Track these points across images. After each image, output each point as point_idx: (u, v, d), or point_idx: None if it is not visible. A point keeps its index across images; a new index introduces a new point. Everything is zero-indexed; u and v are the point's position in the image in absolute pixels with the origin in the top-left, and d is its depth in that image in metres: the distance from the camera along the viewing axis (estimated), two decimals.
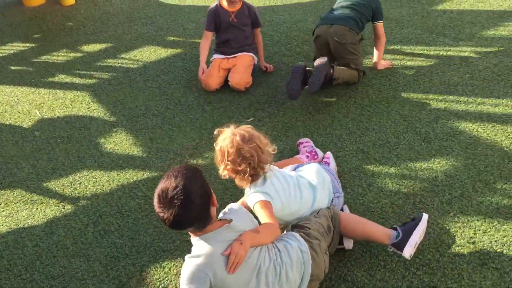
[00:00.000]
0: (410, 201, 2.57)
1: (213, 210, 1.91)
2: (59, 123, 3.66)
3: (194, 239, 1.93)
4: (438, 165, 2.77)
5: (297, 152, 2.96)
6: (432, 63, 3.74)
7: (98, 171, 3.11)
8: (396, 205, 2.56)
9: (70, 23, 5.35)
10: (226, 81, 3.79)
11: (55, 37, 5.05)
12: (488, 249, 2.26)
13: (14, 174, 3.20)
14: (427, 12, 4.49)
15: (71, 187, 3.00)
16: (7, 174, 3.20)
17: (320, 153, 2.87)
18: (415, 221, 2.22)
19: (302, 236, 2.09)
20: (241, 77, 3.69)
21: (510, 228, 2.34)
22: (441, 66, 3.69)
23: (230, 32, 3.75)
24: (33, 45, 4.97)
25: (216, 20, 3.74)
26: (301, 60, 4.01)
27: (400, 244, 2.15)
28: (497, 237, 2.31)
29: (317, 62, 3.37)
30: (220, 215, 2.03)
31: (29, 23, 5.49)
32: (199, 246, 1.90)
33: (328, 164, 2.73)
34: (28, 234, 2.72)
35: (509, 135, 2.92)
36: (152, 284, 2.33)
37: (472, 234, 2.34)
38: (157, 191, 1.82)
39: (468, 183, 2.63)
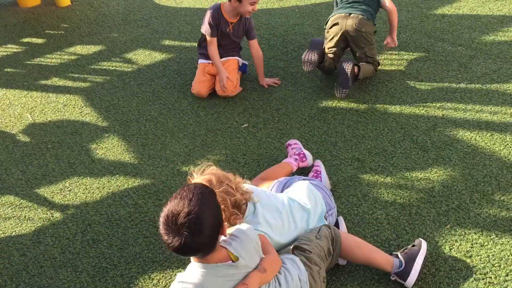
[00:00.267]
0: (406, 212, 2.51)
1: (221, 238, 1.80)
2: (50, 128, 3.60)
3: (192, 263, 1.81)
4: (435, 175, 2.71)
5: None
6: (430, 69, 3.68)
7: (88, 177, 3.05)
8: (391, 216, 2.49)
9: (65, 25, 5.29)
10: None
11: (49, 39, 4.99)
12: (485, 263, 2.20)
13: (3, 179, 3.13)
14: (425, 16, 4.43)
15: (61, 194, 2.94)
16: None
17: (308, 155, 2.81)
18: (416, 248, 2.16)
19: (302, 261, 1.99)
20: (227, 81, 3.60)
21: (508, 242, 2.28)
22: (439, 72, 3.63)
23: (223, 40, 3.64)
24: (27, 47, 4.91)
25: (217, 27, 3.58)
26: (298, 65, 3.95)
27: (404, 274, 2.09)
28: (494, 251, 2.25)
29: (346, 67, 3.33)
30: (226, 237, 1.86)
31: (24, 24, 5.43)
32: (195, 273, 1.77)
33: (319, 175, 2.66)
34: (15, 243, 2.66)
35: (507, 144, 2.87)
36: None
37: (469, 248, 2.28)
38: (166, 212, 1.66)
39: (466, 194, 2.57)
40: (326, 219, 2.32)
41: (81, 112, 3.74)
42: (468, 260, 2.22)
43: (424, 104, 3.31)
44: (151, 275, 2.36)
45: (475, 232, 2.35)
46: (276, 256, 1.98)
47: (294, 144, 2.89)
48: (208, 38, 3.59)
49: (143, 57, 4.40)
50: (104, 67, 4.32)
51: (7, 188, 3.06)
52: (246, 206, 2.10)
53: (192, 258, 1.82)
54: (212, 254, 1.75)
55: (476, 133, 2.99)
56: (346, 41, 3.54)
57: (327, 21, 3.64)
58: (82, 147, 3.34)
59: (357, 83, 3.56)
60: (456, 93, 3.38)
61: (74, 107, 3.82)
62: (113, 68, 4.29)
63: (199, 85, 3.67)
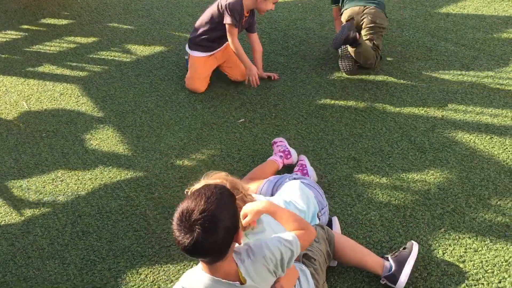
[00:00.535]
0: (400, 214, 2.47)
1: (234, 246, 1.67)
2: (46, 116, 3.56)
3: (199, 270, 1.70)
4: (431, 177, 2.67)
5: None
6: (431, 68, 3.63)
7: (81, 168, 3.01)
8: (385, 218, 2.46)
9: (66, 13, 5.24)
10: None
11: (49, 26, 4.94)
12: (478, 269, 2.16)
13: None
14: (430, 15, 4.36)
15: (53, 184, 2.91)
16: None
17: (293, 152, 2.78)
18: (407, 251, 2.12)
19: (311, 273, 1.93)
20: (242, 69, 3.58)
21: (502, 248, 2.24)
22: (441, 72, 3.58)
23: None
24: (26, 33, 4.86)
25: (240, 18, 3.44)
26: (298, 60, 3.90)
27: (394, 277, 2.06)
28: (488, 257, 2.21)
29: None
30: (244, 245, 1.72)
31: (24, 11, 5.38)
32: (199, 280, 1.68)
33: (305, 169, 2.63)
34: (4, 232, 2.63)
35: (506, 148, 2.82)
36: None
37: (462, 253, 2.24)
38: (181, 208, 1.58)
39: (462, 197, 2.53)
40: (319, 218, 2.29)
41: (77, 101, 3.70)
42: (461, 265, 2.18)
43: (424, 104, 3.26)
44: (139, 270, 2.33)
45: (469, 237, 2.31)
46: (292, 269, 1.87)
47: (280, 141, 2.86)
48: (232, 29, 3.41)
49: (143, 47, 4.35)
50: (103, 57, 4.27)
51: None
52: None
53: (199, 264, 1.71)
54: (221, 263, 1.63)
55: (476, 135, 2.94)
56: (358, 29, 3.65)
57: (341, 13, 3.74)
58: (76, 137, 3.30)
59: (357, 47, 3.49)
60: (457, 94, 3.33)
61: (70, 96, 3.78)
62: (111, 57, 4.25)
63: (200, 82, 3.61)
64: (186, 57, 3.88)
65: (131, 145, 3.17)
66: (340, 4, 3.83)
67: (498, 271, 2.14)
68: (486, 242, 2.27)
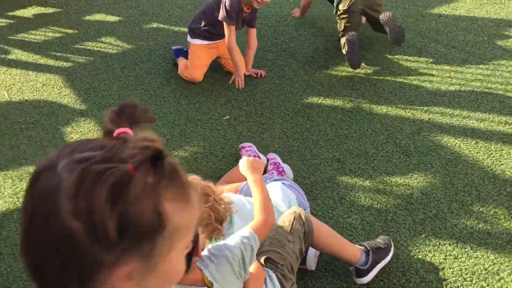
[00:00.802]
0: (382, 218, 2.44)
1: (195, 259, 1.55)
2: (26, 107, 3.48)
3: None
4: (415, 181, 2.64)
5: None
6: (420, 70, 3.59)
7: None
8: (366, 222, 2.42)
9: (53, 1, 5.13)
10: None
11: (35, 14, 4.84)
12: (457, 277, 2.13)
13: None
14: (421, 15, 4.32)
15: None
16: None
17: (263, 158, 2.74)
18: (385, 252, 2.11)
19: (278, 278, 1.88)
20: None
21: (482, 256, 2.22)
22: (429, 74, 3.54)
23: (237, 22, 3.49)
24: (12, 21, 4.76)
25: (237, 15, 3.40)
26: (287, 57, 3.85)
27: (363, 272, 2.05)
28: (468, 264, 2.18)
29: (384, 17, 3.58)
30: (206, 252, 1.67)
31: None
32: None
33: (280, 166, 2.60)
34: None
35: (491, 153, 2.79)
36: None
37: (442, 259, 2.21)
38: None
39: (444, 203, 2.50)
40: None
41: (60, 93, 3.62)
42: (440, 273, 2.16)
43: (411, 107, 3.22)
44: None
45: (449, 244, 2.28)
46: (260, 275, 1.83)
47: (249, 146, 2.82)
48: (228, 26, 3.38)
49: (129, 39, 4.27)
50: (88, 47, 4.19)
51: None
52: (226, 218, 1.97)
53: None
54: (185, 276, 1.58)
55: (461, 140, 2.91)
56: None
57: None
58: (57, 129, 3.23)
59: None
60: (444, 97, 3.30)
61: (53, 87, 3.70)
62: (97, 49, 4.17)
63: (199, 70, 3.55)
64: (175, 47, 3.81)
65: None
66: None
67: (477, 280, 2.12)
68: (466, 250, 2.25)
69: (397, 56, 3.76)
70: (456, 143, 2.88)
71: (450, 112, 3.15)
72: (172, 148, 3.00)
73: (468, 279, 2.12)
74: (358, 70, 3.62)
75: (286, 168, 2.64)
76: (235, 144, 3.00)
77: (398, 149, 2.86)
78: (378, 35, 4.00)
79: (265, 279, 1.85)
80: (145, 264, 0.70)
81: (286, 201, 2.21)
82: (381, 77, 3.54)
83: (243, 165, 1.95)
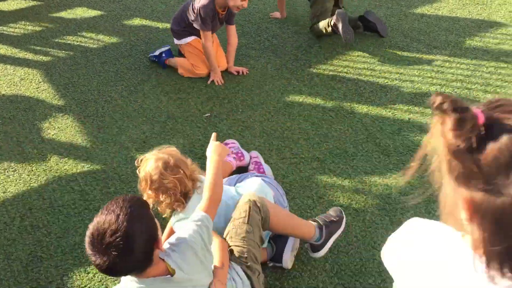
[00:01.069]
0: (360, 219, 2.44)
1: (157, 252, 1.59)
2: (3, 102, 3.41)
3: (128, 277, 1.61)
4: (393, 181, 2.64)
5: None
6: (402, 69, 3.60)
7: (36, 158, 2.89)
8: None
9: None
10: None
11: (15, 7, 4.75)
12: None
13: None
14: (404, 15, 4.33)
15: (4, 174, 2.79)
16: None
17: (246, 154, 2.73)
18: (337, 225, 2.14)
19: (244, 271, 1.88)
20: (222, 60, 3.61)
21: None
22: (411, 73, 3.55)
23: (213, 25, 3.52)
24: None
25: (212, 20, 3.42)
26: (269, 55, 3.83)
27: (318, 247, 2.09)
28: None
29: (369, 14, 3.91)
30: (166, 246, 1.68)
31: None
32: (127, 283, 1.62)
33: (261, 166, 2.60)
34: None
35: None
36: None
37: None
38: (92, 229, 1.48)
39: (422, 203, 2.50)
40: None
41: (38, 87, 3.56)
42: None
43: (392, 106, 3.23)
44: (87, 268, 2.24)
45: None
46: (226, 255, 1.87)
47: (232, 143, 2.80)
48: (204, 33, 3.41)
49: (111, 34, 4.21)
50: (69, 42, 4.12)
51: None
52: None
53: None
54: (149, 269, 1.56)
55: None
56: None
57: None
58: (34, 125, 3.17)
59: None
60: (425, 97, 3.30)
61: (31, 81, 3.63)
62: (77, 43, 4.10)
63: (205, 64, 3.53)
64: (153, 54, 3.74)
65: (90, 136, 3.06)
66: None
67: None
68: None
69: (379, 55, 3.76)
70: None
71: (430, 112, 3.15)
72: (152, 145, 2.95)
73: None
74: (340, 69, 3.62)
75: (267, 168, 2.63)
76: None
77: (378, 149, 2.87)
78: (361, 35, 4.00)
79: (231, 273, 1.85)
80: None
81: (261, 196, 2.19)
82: (363, 76, 3.54)
83: (211, 147, 2.00)
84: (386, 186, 2.61)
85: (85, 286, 2.17)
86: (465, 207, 0.80)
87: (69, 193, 2.64)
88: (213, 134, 2.09)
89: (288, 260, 2.12)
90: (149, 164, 2.01)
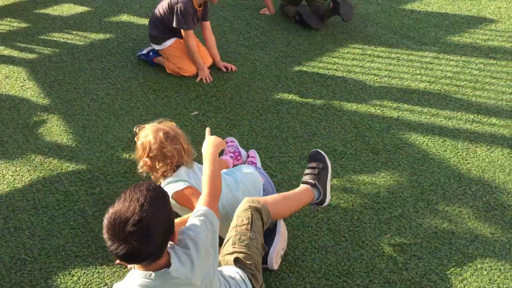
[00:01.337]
0: (348, 218, 2.42)
1: (170, 245, 1.61)
2: None
3: (134, 272, 1.59)
4: (382, 179, 2.63)
5: None
6: (391, 66, 3.58)
7: (19, 158, 2.84)
8: (332, 221, 2.40)
9: None
10: None
11: (0, 3, 4.66)
12: (420, 278, 2.13)
13: None
14: (394, 11, 4.31)
15: None
16: None
17: (244, 153, 2.71)
18: (325, 169, 2.22)
19: (249, 278, 1.86)
20: (204, 55, 3.56)
21: (446, 256, 2.22)
22: (400, 70, 3.53)
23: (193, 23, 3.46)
24: None
25: (192, 18, 3.38)
26: (258, 51, 3.79)
27: (322, 201, 2.20)
28: (431, 265, 2.18)
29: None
30: (179, 236, 1.64)
31: None
32: (133, 282, 1.57)
33: (255, 164, 2.58)
34: None
35: (458, 152, 2.80)
36: None
37: (406, 260, 2.21)
38: (113, 216, 1.46)
39: (410, 201, 2.49)
40: None
41: (23, 85, 3.50)
42: (405, 273, 2.15)
43: (381, 104, 3.21)
44: (72, 271, 2.21)
45: (414, 243, 2.28)
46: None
47: (231, 141, 2.77)
48: (186, 32, 3.36)
49: (98, 30, 4.15)
50: (55, 38, 4.06)
51: None
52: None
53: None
54: (158, 261, 1.55)
55: (429, 138, 2.91)
56: None
57: None
58: (18, 124, 3.12)
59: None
60: (414, 94, 3.29)
61: (16, 79, 3.56)
62: (64, 40, 4.03)
63: (191, 65, 3.48)
64: (141, 53, 3.69)
65: (75, 135, 3.01)
66: None
67: (440, 281, 2.11)
68: (430, 250, 2.24)
69: (368, 52, 3.74)
70: (424, 141, 2.88)
71: (419, 109, 3.15)
72: None
73: (432, 279, 2.12)
74: (330, 66, 3.59)
75: (243, 153, 2.68)
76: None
77: (367, 147, 2.85)
78: (352, 31, 3.98)
79: (238, 279, 1.82)
80: None
81: (249, 177, 2.28)
82: (352, 74, 3.52)
83: (206, 141, 2.02)
84: (375, 184, 2.59)
85: None
86: None
87: (53, 194, 2.60)
88: (207, 129, 2.12)
89: (273, 262, 2.09)
90: (149, 132, 2.16)
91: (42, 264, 2.24)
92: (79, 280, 2.17)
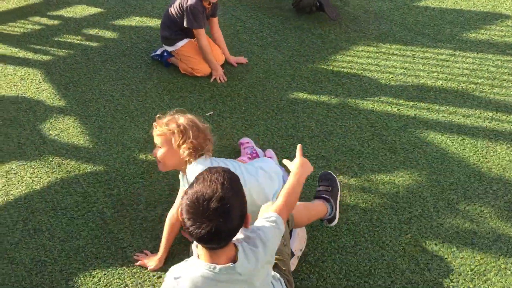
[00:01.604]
0: (367, 218, 2.40)
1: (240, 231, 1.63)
2: (4, 103, 3.37)
3: (195, 260, 1.60)
4: (401, 179, 2.60)
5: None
6: (407, 64, 3.55)
7: (37, 160, 2.85)
8: (351, 222, 2.38)
9: None
10: None
11: (14, 5, 4.69)
12: (443, 278, 2.10)
13: None
14: (408, 8, 4.27)
15: (6, 177, 2.75)
16: None
17: (261, 153, 2.71)
18: (336, 187, 2.26)
19: (286, 285, 1.87)
20: (217, 53, 3.56)
21: (469, 256, 2.19)
22: (416, 68, 3.50)
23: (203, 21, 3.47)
24: None
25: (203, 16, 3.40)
26: (272, 51, 3.78)
27: (333, 218, 2.23)
28: (454, 265, 2.16)
29: None
30: (240, 235, 1.65)
31: None
32: (194, 269, 1.58)
33: (257, 155, 2.62)
34: None
35: (477, 150, 2.76)
36: None
37: (428, 260, 2.18)
38: (195, 195, 1.48)
39: (430, 201, 2.47)
40: None
41: (39, 87, 3.51)
42: (427, 274, 2.12)
43: (397, 102, 3.18)
44: (93, 272, 2.21)
45: (435, 244, 2.25)
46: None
47: (247, 143, 2.77)
48: (197, 30, 3.36)
49: (111, 32, 4.16)
50: (69, 40, 4.07)
51: None
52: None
53: (196, 251, 1.62)
54: (226, 248, 1.56)
55: (447, 136, 2.88)
56: None
57: None
58: (35, 126, 3.13)
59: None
60: (431, 92, 3.26)
61: (31, 81, 3.58)
62: (78, 42, 4.05)
63: (205, 65, 3.48)
64: (155, 53, 3.69)
65: (92, 137, 3.02)
66: None
67: (463, 281, 2.09)
68: (452, 250, 2.22)
69: (383, 50, 3.71)
70: (442, 140, 2.85)
71: (436, 107, 3.12)
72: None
73: (455, 280, 2.09)
74: (344, 64, 3.57)
75: (261, 153, 2.68)
76: (218, 141, 2.93)
77: (384, 146, 2.82)
78: (365, 29, 3.95)
79: (278, 286, 1.83)
80: None
81: (268, 162, 2.33)
82: (367, 72, 3.49)
83: (297, 160, 1.99)
84: (394, 184, 2.57)
85: None
86: None
87: (71, 195, 2.61)
88: (299, 146, 2.06)
89: (290, 263, 2.07)
90: (179, 117, 2.16)
91: (62, 266, 2.25)
92: (100, 281, 2.18)
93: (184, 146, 2.08)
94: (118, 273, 2.20)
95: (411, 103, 3.16)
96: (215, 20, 3.54)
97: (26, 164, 2.83)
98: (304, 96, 3.29)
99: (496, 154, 2.74)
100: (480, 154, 2.74)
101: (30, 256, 2.30)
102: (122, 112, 3.22)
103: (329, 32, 3.97)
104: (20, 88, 3.52)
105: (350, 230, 2.34)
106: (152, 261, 2.20)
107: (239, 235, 1.65)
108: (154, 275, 2.18)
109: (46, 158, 2.87)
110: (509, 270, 2.12)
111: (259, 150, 2.69)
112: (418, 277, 2.11)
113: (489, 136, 2.87)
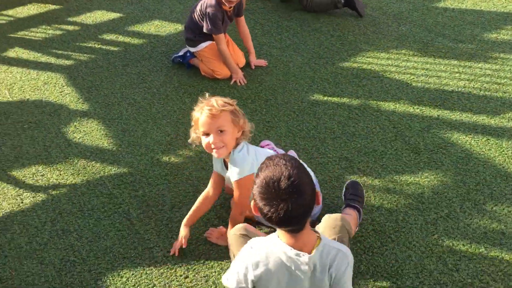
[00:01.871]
0: (393, 219, 2.39)
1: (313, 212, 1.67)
2: (28, 107, 3.43)
3: (276, 238, 1.66)
4: (425, 179, 2.59)
5: None
6: (428, 65, 3.53)
7: (63, 162, 2.89)
8: (377, 222, 2.37)
9: None
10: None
11: (35, 11, 4.77)
12: (472, 279, 2.09)
13: None
14: (427, 9, 4.26)
15: (33, 179, 2.79)
16: None
17: (281, 153, 2.70)
18: (362, 195, 2.39)
19: None
20: (238, 55, 3.62)
21: (497, 256, 2.17)
22: (437, 69, 3.48)
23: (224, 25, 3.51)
24: (11, 18, 4.69)
25: (222, 22, 3.44)
26: (291, 53, 3.79)
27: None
28: (483, 266, 2.14)
29: None
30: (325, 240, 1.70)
31: None
32: (270, 244, 1.65)
33: None
34: None
35: (503, 151, 2.74)
36: None
37: (456, 261, 2.17)
38: (265, 180, 1.53)
39: (456, 202, 2.45)
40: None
41: (62, 91, 3.57)
42: (455, 275, 2.11)
43: (420, 103, 3.17)
44: (121, 272, 2.24)
45: (463, 244, 2.24)
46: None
47: (267, 145, 2.78)
48: (216, 36, 3.41)
49: (131, 36, 4.21)
50: (90, 45, 4.13)
51: None
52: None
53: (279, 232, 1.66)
54: (305, 231, 1.60)
55: (472, 137, 2.86)
56: None
57: None
58: (59, 129, 3.18)
59: None
60: (453, 92, 3.24)
61: (55, 85, 3.64)
62: (99, 46, 4.10)
63: (225, 67, 3.51)
64: (177, 55, 3.73)
65: (116, 139, 3.05)
66: None
67: (493, 282, 2.07)
68: (480, 250, 2.20)
69: (403, 51, 3.70)
70: (467, 140, 2.83)
71: (460, 108, 3.10)
72: (177, 148, 2.94)
73: (484, 281, 2.08)
74: (364, 66, 3.57)
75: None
76: None
77: (408, 147, 2.81)
78: (384, 31, 3.94)
79: None
80: None
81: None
82: (388, 73, 3.48)
83: None
84: (418, 185, 2.56)
85: None
86: None
87: (97, 197, 2.64)
88: None
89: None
90: (220, 98, 2.17)
91: (91, 266, 2.27)
92: (128, 281, 2.20)
93: (241, 121, 2.14)
94: (146, 273, 2.22)
95: (434, 104, 3.14)
96: (241, 19, 3.57)
97: (52, 166, 2.87)
98: (325, 98, 3.29)
99: None
100: (506, 154, 2.72)
101: (59, 256, 2.33)
102: (144, 115, 3.25)
103: (348, 34, 3.97)
104: (44, 92, 3.57)
105: (375, 231, 2.33)
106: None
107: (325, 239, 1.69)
108: (181, 275, 2.20)
109: (71, 160, 2.91)
110: None
111: (280, 151, 2.70)
112: (447, 278, 2.09)
113: None
